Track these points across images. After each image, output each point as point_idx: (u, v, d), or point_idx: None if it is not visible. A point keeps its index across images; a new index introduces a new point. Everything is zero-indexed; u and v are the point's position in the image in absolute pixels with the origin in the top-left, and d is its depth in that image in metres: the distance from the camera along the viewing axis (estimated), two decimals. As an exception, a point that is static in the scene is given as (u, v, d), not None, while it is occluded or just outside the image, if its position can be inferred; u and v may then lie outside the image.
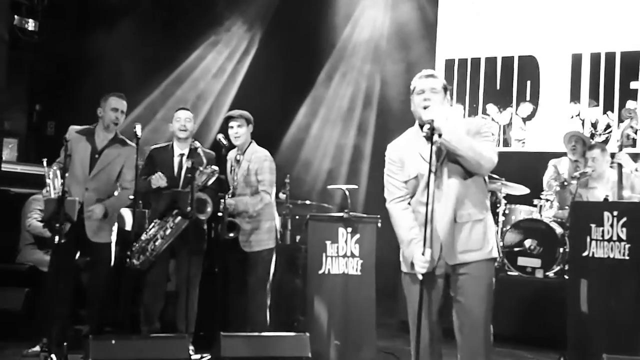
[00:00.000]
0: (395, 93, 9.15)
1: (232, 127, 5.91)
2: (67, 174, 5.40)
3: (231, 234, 5.76)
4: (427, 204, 3.93)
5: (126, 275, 5.93)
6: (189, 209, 5.47)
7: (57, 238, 5.20)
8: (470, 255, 4.00)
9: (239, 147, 5.96)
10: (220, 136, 5.80)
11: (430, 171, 3.93)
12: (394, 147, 4.21)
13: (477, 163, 3.94)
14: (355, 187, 7.37)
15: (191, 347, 5.42)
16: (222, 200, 5.75)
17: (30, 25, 8.58)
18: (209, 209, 5.71)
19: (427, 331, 4.02)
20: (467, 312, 4.01)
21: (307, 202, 7.64)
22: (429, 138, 3.91)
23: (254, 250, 5.86)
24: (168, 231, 5.73)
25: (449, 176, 4.01)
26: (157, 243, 5.71)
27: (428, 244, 3.94)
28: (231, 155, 6.04)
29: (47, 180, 5.63)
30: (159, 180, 5.77)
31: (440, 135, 3.90)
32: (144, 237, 5.75)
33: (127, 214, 6.91)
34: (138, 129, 5.46)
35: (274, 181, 5.95)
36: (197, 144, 5.94)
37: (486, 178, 4.12)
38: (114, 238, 5.93)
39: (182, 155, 5.96)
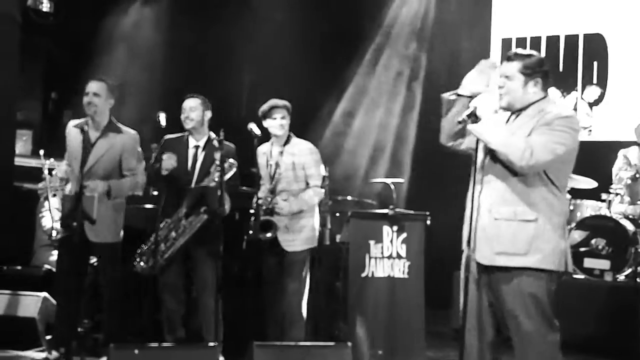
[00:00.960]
0: (445, 78, 9.04)
1: (275, 117, 5.90)
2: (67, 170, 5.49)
3: (268, 234, 5.75)
4: (472, 199, 3.93)
5: (149, 280, 5.95)
6: (218, 205, 5.44)
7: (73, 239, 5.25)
8: (509, 259, 3.92)
9: (277, 140, 5.96)
10: (252, 126, 5.77)
11: (475, 162, 3.92)
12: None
13: (508, 161, 3.89)
14: (401, 180, 7.34)
15: (221, 358, 5.42)
16: (258, 198, 5.75)
17: (45, 6, 8.66)
18: (227, 206, 5.68)
19: (473, 334, 3.98)
20: (513, 328, 3.96)
21: (348, 197, 7.60)
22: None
23: (297, 250, 5.86)
24: (180, 231, 5.71)
25: (492, 168, 3.98)
26: (168, 244, 5.70)
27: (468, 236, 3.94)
28: (264, 148, 6.02)
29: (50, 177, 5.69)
30: (168, 160, 5.69)
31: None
32: (153, 238, 5.71)
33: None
34: (162, 118, 5.47)
35: (322, 175, 5.97)
36: (214, 135, 5.91)
37: (551, 175, 3.98)
38: (115, 238, 5.87)
39: (197, 147, 5.94)
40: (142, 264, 5.70)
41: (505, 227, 3.93)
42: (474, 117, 3.94)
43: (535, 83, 4.00)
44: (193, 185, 5.78)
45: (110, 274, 5.83)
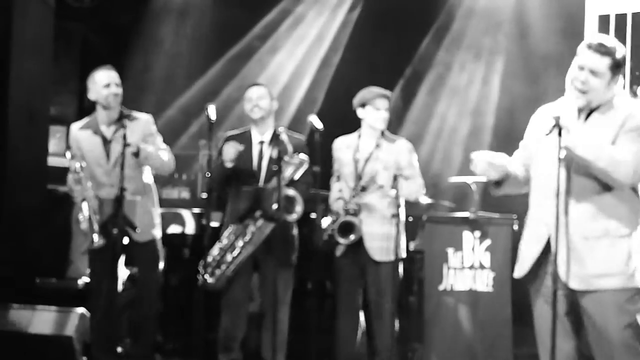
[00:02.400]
0: (533, 63, 8.91)
1: (379, 109, 5.89)
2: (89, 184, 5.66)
3: (350, 237, 5.72)
4: (557, 216, 3.84)
5: (198, 293, 5.97)
6: (274, 208, 5.44)
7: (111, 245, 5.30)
8: (607, 280, 3.85)
9: (372, 133, 5.97)
10: (313, 118, 5.75)
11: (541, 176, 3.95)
12: (544, 110, 4.15)
13: (611, 178, 3.84)
14: (484, 179, 7.23)
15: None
16: (344, 199, 5.73)
17: (81, -13, 8.76)
18: (298, 209, 5.66)
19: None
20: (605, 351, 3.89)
21: (424, 199, 7.51)
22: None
23: (388, 260, 5.80)
24: (248, 238, 5.72)
25: (577, 183, 3.91)
26: (234, 254, 5.71)
27: (552, 260, 3.88)
28: (347, 141, 6.02)
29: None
30: (230, 150, 5.71)
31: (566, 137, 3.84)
32: (218, 246, 5.76)
33: (185, 213, 6.99)
34: (211, 110, 5.47)
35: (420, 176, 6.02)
36: (281, 128, 5.90)
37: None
38: (158, 233, 5.97)
39: (262, 143, 5.95)
40: (207, 277, 5.70)
41: (598, 246, 3.88)
42: (558, 128, 3.83)
43: (617, 80, 3.93)
44: (261, 185, 5.80)
45: (148, 278, 5.92)
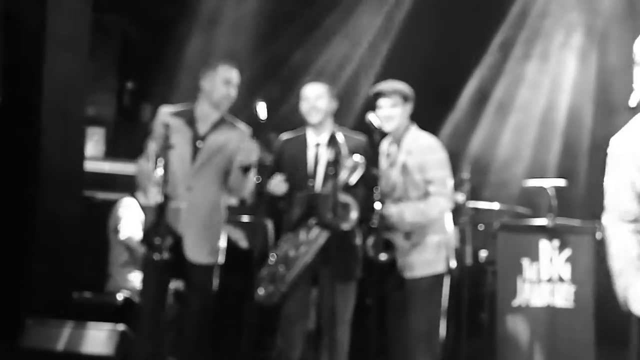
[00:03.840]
0: (621, 55, 8.85)
1: (380, 106, 5.87)
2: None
3: (386, 255, 5.71)
4: None
5: (250, 310, 5.99)
6: (330, 215, 5.43)
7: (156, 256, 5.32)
8: None
9: (392, 134, 5.92)
10: (372, 116, 5.74)
11: None
12: (624, 139, 4.00)
13: None
14: (563, 182, 7.20)
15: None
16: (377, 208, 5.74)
17: (119, -23, 8.85)
18: (352, 216, 5.61)
19: None
20: None
21: (495, 205, 7.50)
22: None
23: (416, 277, 5.78)
24: (302, 249, 5.72)
25: None
26: (288, 266, 5.71)
27: None
28: (385, 146, 6.00)
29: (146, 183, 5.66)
30: (277, 186, 5.74)
31: None
32: (271, 258, 5.77)
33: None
34: (261, 108, 5.48)
35: (448, 178, 5.87)
36: (339, 128, 5.90)
37: None
38: (219, 258, 5.92)
39: (318, 145, 5.93)
40: (261, 291, 5.73)
41: None
42: None
43: None
44: (317, 190, 5.78)
45: (198, 302, 5.81)
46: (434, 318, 5.79)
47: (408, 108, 5.87)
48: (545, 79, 9.52)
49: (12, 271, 6.96)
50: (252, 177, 5.68)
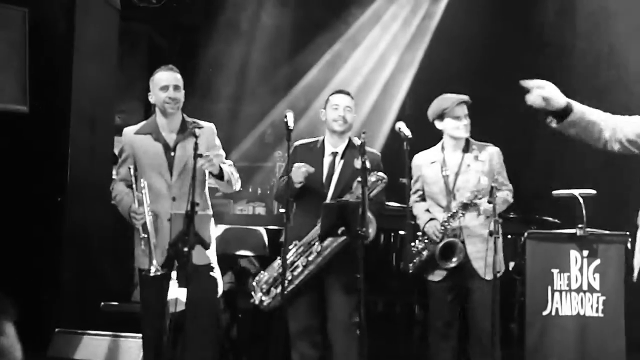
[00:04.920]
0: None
1: (459, 117, 5.94)
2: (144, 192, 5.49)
3: (454, 260, 5.73)
4: None
5: (276, 318, 5.99)
6: (358, 227, 5.39)
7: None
8: None
9: (455, 144, 5.99)
10: (401, 125, 5.74)
11: None
12: None
13: None
14: (593, 192, 7.18)
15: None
16: (449, 214, 5.76)
17: (147, -14, 8.88)
18: (371, 231, 5.58)
19: None
20: None
21: (523, 214, 7.49)
22: None
23: (489, 280, 5.76)
24: (313, 256, 5.69)
25: None
26: (295, 273, 5.69)
27: None
28: (431, 157, 6.06)
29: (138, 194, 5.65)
30: (299, 170, 5.66)
31: None
32: (276, 264, 5.77)
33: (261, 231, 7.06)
34: (289, 117, 5.48)
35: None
36: (363, 135, 5.88)
37: None
38: (213, 257, 5.84)
39: (334, 154, 5.93)
40: (260, 295, 5.75)
41: None
42: None
43: None
44: (328, 200, 5.76)
45: (205, 303, 5.71)
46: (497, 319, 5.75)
47: None
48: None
49: (41, 281, 6.99)
50: (229, 171, 5.71)
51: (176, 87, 5.76)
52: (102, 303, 7.20)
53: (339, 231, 5.62)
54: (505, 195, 5.94)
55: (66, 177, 7.04)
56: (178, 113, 5.82)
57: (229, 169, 5.77)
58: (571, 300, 5.99)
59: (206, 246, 5.53)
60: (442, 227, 5.80)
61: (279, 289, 5.60)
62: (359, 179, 5.33)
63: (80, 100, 7.13)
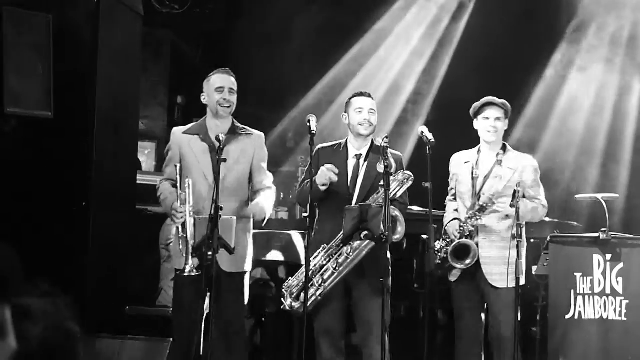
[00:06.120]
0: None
1: (488, 117, 5.95)
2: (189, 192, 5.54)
3: (467, 261, 5.74)
4: None
5: (301, 322, 6.00)
6: (383, 229, 5.40)
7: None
8: None
9: (490, 146, 6.01)
10: (424, 129, 5.78)
11: None
12: None
13: None
14: (616, 196, 7.18)
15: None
16: (460, 219, 5.77)
17: (170, -8, 8.92)
18: (400, 230, 5.63)
19: None
20: None
21: (546, 218, 7.49)
22: None
23: (509, 287, 5.78)
24: (342, 260, 5.67)
25: None
26: (325, 277, 5.68)
27: None
28: (467, 157, 6.10)
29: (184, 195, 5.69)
30: (324, 174, 5.68)
31: None
32: (305, 268, 5.70)
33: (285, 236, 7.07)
34: (312, 121, 5.53)
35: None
36: (386, 138, 5.89)
37: None
38: (248, 266, 5.92)
39: (358, 156, 5.94)
40: (290, 301, 5.76)
41: None
42: None
43: None
44: (354, 203, 5.77)
45: (232, 312, 5.79)
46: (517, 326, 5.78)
47: (506, 124, 5.96)
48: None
49: (65, 285, 7.02)
50: (267, 209, 5.83)
51: (231, 90, 5.91)
52: (127, 307, 7.24)
53: (362, 235, 5.66)
54: (536, 205, 5.95)
55: (90, 182, 7.08)
56: (229, 117, 5.94)
57: (267, 203, 5.87)
58: (594, 303, 5.98)
59: (230, 251, 5.51)
60: (461, 228, 5.82)
61: (310, 293, 5.59)
62: (382, 182, 5.38)
63: (104, 105, 7.15)
